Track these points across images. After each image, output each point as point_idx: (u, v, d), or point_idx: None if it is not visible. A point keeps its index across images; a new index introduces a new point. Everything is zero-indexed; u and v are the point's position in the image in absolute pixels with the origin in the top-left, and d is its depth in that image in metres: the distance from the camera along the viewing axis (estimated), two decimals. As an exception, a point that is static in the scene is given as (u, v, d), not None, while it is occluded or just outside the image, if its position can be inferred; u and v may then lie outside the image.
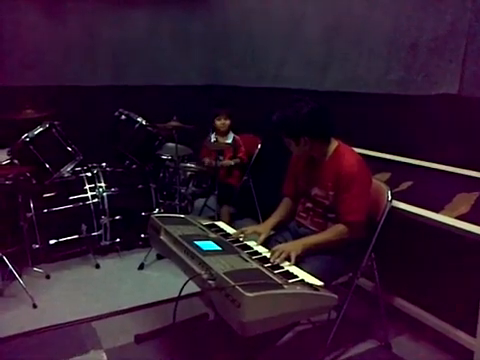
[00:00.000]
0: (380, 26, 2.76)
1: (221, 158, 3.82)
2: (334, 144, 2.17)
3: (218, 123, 3.92)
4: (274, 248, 1.97)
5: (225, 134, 3.99)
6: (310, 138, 2.06)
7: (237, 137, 4.00)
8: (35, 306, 2.72)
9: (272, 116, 2.12)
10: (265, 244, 2.14)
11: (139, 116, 3.54)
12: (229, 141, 3.96)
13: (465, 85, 2.30)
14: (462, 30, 2.29)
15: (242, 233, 2.19)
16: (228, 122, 3.93)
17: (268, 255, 1.96)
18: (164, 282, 3.02)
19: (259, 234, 2.18)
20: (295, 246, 1.98)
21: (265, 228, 2.24)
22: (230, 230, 2.28)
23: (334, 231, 2.08)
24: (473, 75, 2.26)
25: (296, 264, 1.89)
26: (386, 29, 2.72)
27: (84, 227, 3.27)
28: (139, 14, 4.47)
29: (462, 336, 2.17)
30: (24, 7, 3.94)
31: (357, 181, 2.05)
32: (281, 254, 1.91)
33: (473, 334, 2.04)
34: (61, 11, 4.12)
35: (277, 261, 1.87)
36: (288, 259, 1.91)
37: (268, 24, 3.85)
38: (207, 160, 3.82)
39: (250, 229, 2.21)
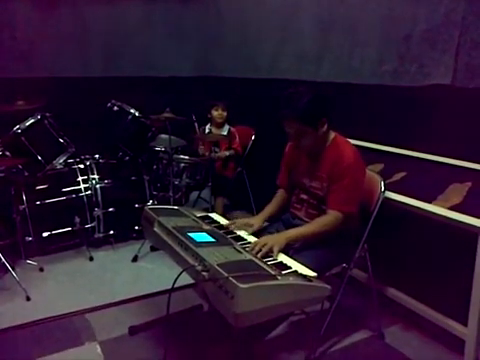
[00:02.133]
0: (374, 17, 2.76)
1: (217, 150, 3.81)
2: (331, 135, 2.16)
3: (215, 113, 3.89)
4: (256, 240, 1.94)
5: (221, 126, 3.97)
6: (326, 118, 2.05)
7: (232, 129, 3.98)
8: (29, 299, 2.71)
9: (282, 111, 2.04)
10: (258, 236, 2.13)
11: (132, 107, 3.51)
12: (225, 133, 3.94)
13: (458, 76, 2.31)
14: (455, 21, 2.29)
15: (233, 223, 2.18)
16: (225, 113, 3.91)
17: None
18: (158, 274, 3.02)
19: (251, 226, 2.18)
20: (278, 239, 1.92)
21: (258, 220, 2.24)
22: (224, 222, 2.27)
23: (321, 222, 2.05)
24: (466, 66, 2.27)
25: (288, 255, 1.88)
26: (380, 20, 2.72)
27: (77, 219, 3.25)
28: (132, 4, 4.42)
29: (454, 325, 2.18)
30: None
31: (351, 172, 2.05)
32: (263, 247, 1.85)
33: (465, 323, 2.06)
34: (53, 2, 4.07)
35: (259, 255, 1.80)
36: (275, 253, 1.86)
37: (262, 15, 3.82)
38: (201, 148, 3.81)
39: (242, 220, 2.21)
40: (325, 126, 2.06)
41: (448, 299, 2.26)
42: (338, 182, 2.05)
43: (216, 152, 3.75)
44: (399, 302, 2.47)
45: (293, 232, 2.03)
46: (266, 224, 2.35)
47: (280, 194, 2.41)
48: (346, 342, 2.36)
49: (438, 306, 2.31)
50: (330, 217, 2.05)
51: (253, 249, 1.85)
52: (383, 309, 2.46)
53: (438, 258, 2.42)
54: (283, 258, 1.85)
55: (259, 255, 1.81)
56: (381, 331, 2.41)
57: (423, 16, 2.46)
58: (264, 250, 1.84)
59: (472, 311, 1.98)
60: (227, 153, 3.85)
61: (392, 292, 2.52)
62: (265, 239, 1.92)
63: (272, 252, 1.86)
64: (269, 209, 2.35)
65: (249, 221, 2.21)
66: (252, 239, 2.04)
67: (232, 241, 1.94)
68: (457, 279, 2.18)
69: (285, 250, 1.93)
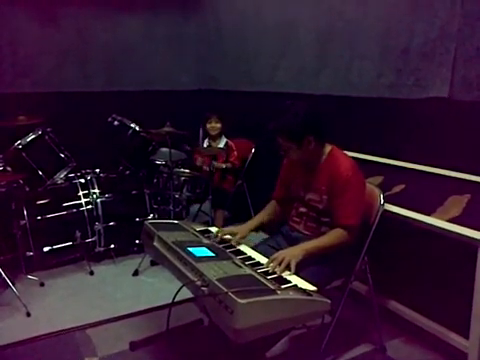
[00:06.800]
0: (372, 31, 2.78)
1: (214, 163, 3.82)
2: (328, 148, 2.17)
3: (208, 126, 3.92)
4: (273, 256, 1.92)
5: (217, 138, 3.99)
6: (314, 137, 2.06)
7: (230, 142, 4.00)
8: (29, 314, 2.70)
9: (270, 124, 2.08)
10: (257, 249, 2.14)
11: (132, 122, 3.54)
12: (221, 145, 3.96)
13: (455, 89, 2.32)
14: (452, 34, 2.31)
15: (219, 233, 2.20)
16: (219, 125, 3.92)
17: (262, 261, 1.95)
18: (159, 288, 3.02)
19: (234, 235, 2.19)
20: (295, 253, 1.92)
21: (243, 229, 2.24)
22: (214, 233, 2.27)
23: (333, 236, 2.05)
24: (463, 79, 2.28)
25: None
26: (377, 34, 2.74)
27: (78, 234, 3.25)
28: (132, 19, 4.48)
29: (455, 338, 2.17)
30: (17, 13, 3.93)
31: (352, 185, 2.06)
32: (281, 262, 1.85)
33: (466, 336, 2.05)
34: (54, 17, 4.12)
35: (277, 271, 1.82)
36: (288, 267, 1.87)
37: (261, 29, 3.86)
38: (199, 160, 3.83)
39: (227, 230, 2.23)
40: (312, 144, 2.07)
41: (449, 311, 2.25)
42: (341, 196, 2.05)
43: (213, 165, 3.76)
44: (400, 315, 2.46)
45: (309, 245, 2.01)
46: (265, 236, 2.36)
47: (271, 205, 2.42)
48: (347, 356, 2.34)
49: (440, 319, 2.30)
50: (342, 231, 2.04)
51: (271, 264, 1.86)
52: (384, 322, 2.45)
53: (438, 270, 2.41)
54: (284, 272, 1.84)
55: (278, 270, 1.82)
56: (383, 344, 2.39)
57: (420, 30, 2.48)
58: (283, 266, 1.84)
59: (473, 324, 1.97)
60: (224, 165, 3.86)
61: (393, 305, 2.51)
62: (282, 254, 1.91)
63: (290, 267, 1.85)
64: (257, 219, 2.36)
65: (233, 230, 2.22)
66: (253, 253, 2.05)
67: (232, 255, 1.94)
68: (458, 291, 2.18)
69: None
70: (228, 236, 2.19)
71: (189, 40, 4.81)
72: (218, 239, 2.16)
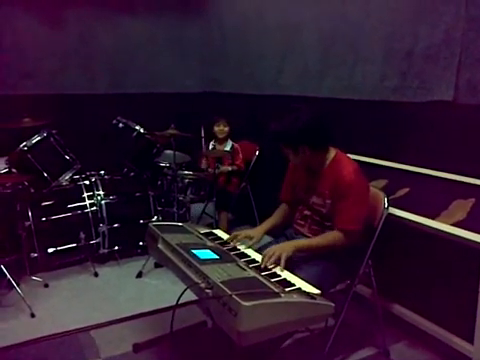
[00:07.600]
0: (375, 34, 2.78)
1: (220, 165, 3.83)
2: (332, 152, 2.17)
3: (217, 129, 3.94)
4: (265, 251, 1.97)
5: (224, 141, 4.00)
6: (308, 147, 2.06)
7: (236, 145, 4.01)
8: (33, 315, 2.71)
9: (270, 125, 2.10)
10: (261, 252, 2.14)
11: (137, 124, 3.55)
12: (228, 148, 3.97)
13: (460, 92, 2.32)
14: (456, 38, 2.30)
15: (235, 237, 2.20)
16: (227, 129, 3.95)
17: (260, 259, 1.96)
18: (162, 290, 3.02)
19: (251, 238, 2.20)
20: (285, 247, 1.96)
21: (257, 232, 2.24)
22: (227, 238, 2.27)
23: (330, 237, 2.07)
24: (467, 82, 2.28)
25: (290, 269, 1.89)
26: (381, 37, 2.74)
27: (82, 235, 3.26)
28: (136, 22, 4.50)
29: (460, 342, 2.17)
30: (21, 16, 3.96)
31: (354, 190, 2.05)
32: (271, 257, 1.90)
33: (470, 340, 2.04)
34: (58, 20, 4.15)
35: (268, 264, 1.87)
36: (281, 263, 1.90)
37: (265, 32, 3.87)
38: (204, 163, 3.85)
39: (243, 233, 2.22)
40: (307, 153, 2.07)
41: (454, 316, 2.25)
42: (343, 201, 2.05)
43: (219, 168, 3.78)
44: (404, 318, 2.46)
45: (301, 242, 2.07)
46: (270, 239, 2.36)
47: (282, 208, 2.42)
48: (351, 359, 2.34)
49: (444, 323, 2.29)
50: (338, 234, 2.05)
51: (263, 260, 1.90)
52: (388, 325, 2.44)
53: (443, 274, 2.40)
54: (287, 275, 1.85)
55: (268, 264, 1.86)
56: (386, 348, 2.38)
57: (424, 33, 2.48)
58: (273, 259, 1.88)
59: (478, 328, 1.96)
60: (229, 168, 3.87)
61: (397, 308, 2.50)
62: (273, 249, 1.95)
63: (280, 260, 1.89)
64: (270, 222, 2.36)
65: (249, 233, 2.22)
66: (257, 256, 2.04)
67: (236, 258, 1.94)
68: (462, 295, 2.17)
69: (290, 265, 1.93)
70: (247, 249, 2.17)
71: (192, 43, 4.82)
72: (234, 243, 2.17)
